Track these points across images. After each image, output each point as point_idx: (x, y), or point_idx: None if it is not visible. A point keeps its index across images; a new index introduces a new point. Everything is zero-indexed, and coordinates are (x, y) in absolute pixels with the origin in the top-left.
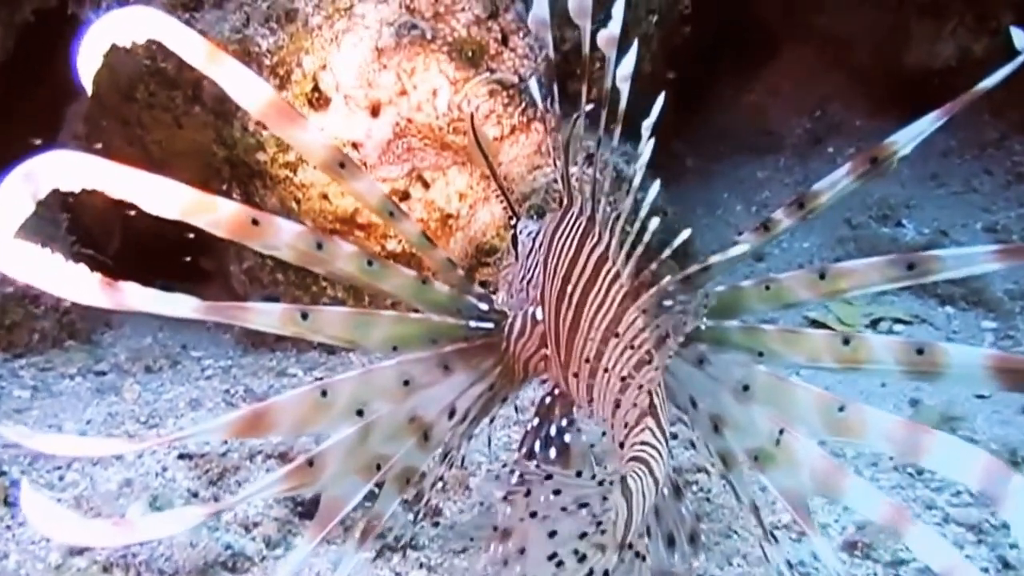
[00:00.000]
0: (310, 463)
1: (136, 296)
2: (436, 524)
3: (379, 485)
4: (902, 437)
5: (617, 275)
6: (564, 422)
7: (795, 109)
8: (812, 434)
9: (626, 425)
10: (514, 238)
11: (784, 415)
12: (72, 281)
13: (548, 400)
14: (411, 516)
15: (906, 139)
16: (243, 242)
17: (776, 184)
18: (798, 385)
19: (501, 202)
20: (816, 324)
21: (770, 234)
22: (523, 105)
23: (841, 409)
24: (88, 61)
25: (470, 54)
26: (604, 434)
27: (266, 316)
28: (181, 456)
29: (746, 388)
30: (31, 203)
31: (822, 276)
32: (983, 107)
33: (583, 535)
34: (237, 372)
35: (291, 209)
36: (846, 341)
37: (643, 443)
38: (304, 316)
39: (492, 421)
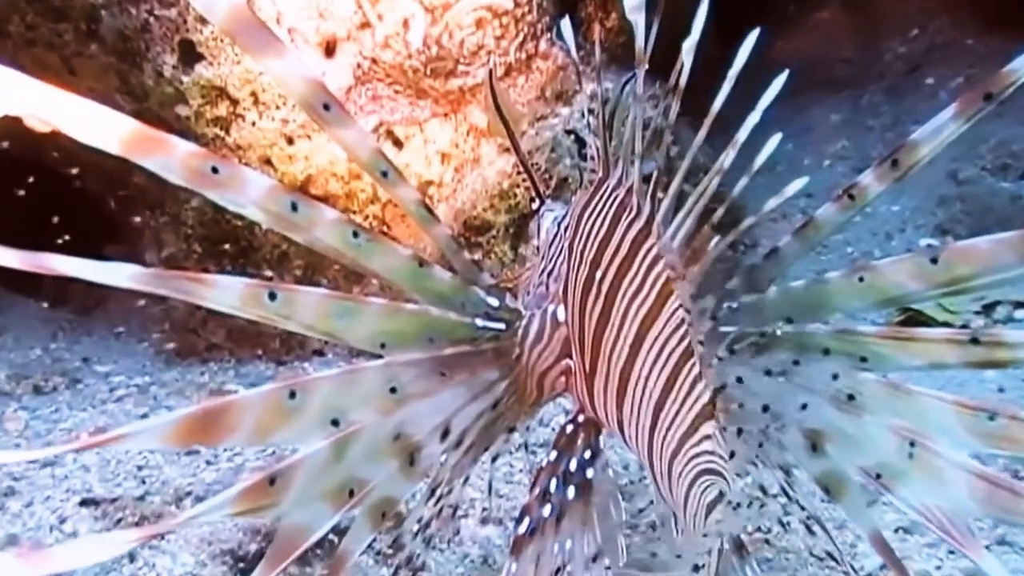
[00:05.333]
0: (271, 481)
1: (60, 261)
2: None
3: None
4: None
5: (662, 252)
6: (587, 454)
7: (884, 28)
8: (957, 446)
9: (679, 434)
10: (537, 226)
11: (913, 426)
12: None
13: (570, 429)
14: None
15: None
16: (203, 193)
17: (858, 129)
18: (925, 393)
19: (524, 181)
20: (910, 312)
21: (856, 205)
22: (521, 38)
23: (992, 418)
24: None
25: None
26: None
27: (224, 292)
28: (84, 503)
29: (851, 398)
30: None
31: (934, 261)
32: None
33: None
34: (157, 391)
35: None
36: (975, 340)
37: (705, 452)
38: (272, 296)
39: (495, 460)
